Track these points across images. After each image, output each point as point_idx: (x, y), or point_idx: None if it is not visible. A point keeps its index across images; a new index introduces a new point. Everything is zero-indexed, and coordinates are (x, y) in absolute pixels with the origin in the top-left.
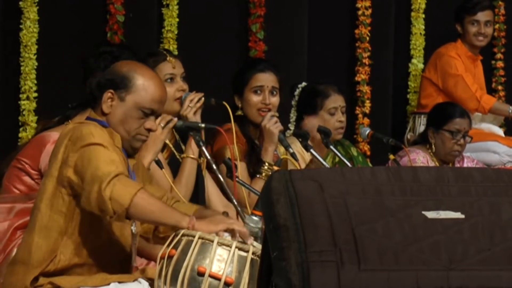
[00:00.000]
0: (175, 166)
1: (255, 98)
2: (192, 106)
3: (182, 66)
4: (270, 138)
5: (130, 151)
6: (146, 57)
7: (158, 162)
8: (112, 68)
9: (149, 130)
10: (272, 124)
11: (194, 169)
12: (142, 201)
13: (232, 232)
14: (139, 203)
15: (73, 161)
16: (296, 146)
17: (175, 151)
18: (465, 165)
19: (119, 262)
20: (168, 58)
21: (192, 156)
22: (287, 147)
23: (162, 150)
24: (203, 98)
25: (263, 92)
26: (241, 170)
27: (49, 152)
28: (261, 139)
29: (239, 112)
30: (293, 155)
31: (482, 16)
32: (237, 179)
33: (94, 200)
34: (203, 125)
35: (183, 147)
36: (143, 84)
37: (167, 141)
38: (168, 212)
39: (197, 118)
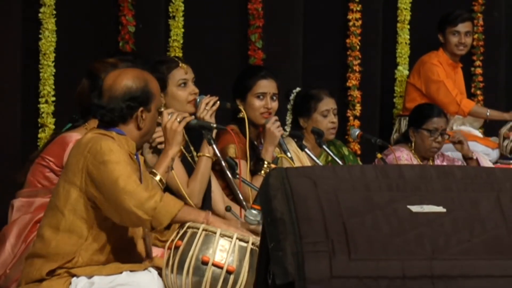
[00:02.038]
0: (185, 167)
1: (258, 103)
2: (209, 109)
3: (193, 72)
4: (271, 140)
5: (141, 147)
6: (159, 64)
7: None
8: (131, 87)
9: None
10: (275, 128)
11: (209, 166)
12: (177, 217)
13: None
14: (175, 220)
15: (94, 176)
16: (292, 146)
17: (185, 152)
18: (445, 162)
19: (133, 259)
20: (180, 65)
21: (207, 154)
22: (286, 151)
23: None
24: (218, 102)
25: (265, 97)
26: (243, 168)
27: None
28: (258, 140)
29: (242, 115)
30: (291, 159)
31: (462, 27)
32: (238, 176)
33: (129, 217)
34: (214, 125)
35: (192, 148)
36: (155, 89)
37: None
38: (189, 214)
39: (212, 120)
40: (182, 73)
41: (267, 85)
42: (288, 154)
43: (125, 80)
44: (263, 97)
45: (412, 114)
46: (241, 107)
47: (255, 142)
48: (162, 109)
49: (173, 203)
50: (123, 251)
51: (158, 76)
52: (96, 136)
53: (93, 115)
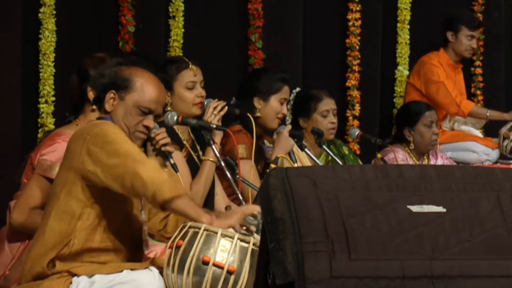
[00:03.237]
0: (191, 166)
1: (279, 108)
2: (216, 114)
3: (202, 74)
4: (285, 147)
5: None
6: (169, 63)
7: (174, 165)
8: (115, 71)
9: (147, 128)
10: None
11: (213, 171)
12: (180, 202)
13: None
14: (177, 202)
15: (95, 153)
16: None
17: (191, 151)
18: (438, 159)
19: (129, 247)
20: (190, 66)
21: (211, 159)
22: (294, 161)
23: (181, 148)
24: (226, 107)
25: (284, 103)
26: (249, 167)
27: (56, 148)
28: (261, 140)
29: (258, 114)
30: (293, 161)
31: (477, 33)
32: (237, 176)
33: (135, 183)
34: (214, 126)
35: (198, 147)
36: (142, 86)
37: (185, 142)
38: (192, 208)
39: (219, 124)
40: (191, 74)
41: (288, 92)
42: (296, 164)
43: (120, 68)
44: (283, 103)
45: (401, 115)
46: (249, 115)
47: (260, 143)
48: (169, 108)
49: (181, 186)
50: (120, 233)
51: (163, 76)
52: (96, 121)
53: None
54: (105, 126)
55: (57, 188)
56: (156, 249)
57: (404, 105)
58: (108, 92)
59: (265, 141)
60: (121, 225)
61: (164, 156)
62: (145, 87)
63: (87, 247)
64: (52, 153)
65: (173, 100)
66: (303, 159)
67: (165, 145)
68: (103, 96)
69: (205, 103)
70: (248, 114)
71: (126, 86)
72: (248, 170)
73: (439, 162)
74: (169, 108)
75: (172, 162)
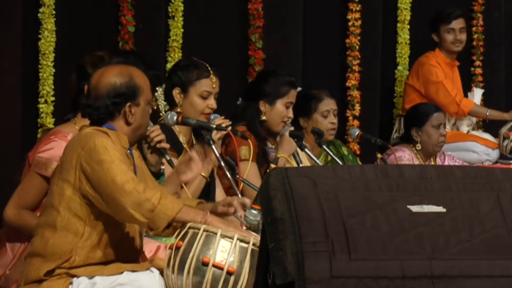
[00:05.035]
0: None
1: (285, 112)
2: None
3: (219, 86)
4: (289, 149)
5: (136, 142)
6: (191, 66)
7: (170, 162)
8: (114, 83)
9: None
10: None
11: (202, 185)
12: (177, 216)
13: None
14: (174, 219)
15: (89, 175)
16: None
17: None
18: (446, 162)
19: (129, 257)
20: (210, 76)
21: (203, 174)
22: (298, 163)
23: (179, 153)
24: (230, 127)
25: (290, 107)
26: (253, 169)
27: (52, 146)
28: (264, 143)
29: (263, 117)
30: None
31: (456, 24)
32: (238, 177)
33: (127, 216)
34: (214, 126)
35: None
36: (142, 83)
37: (184, 144)
38: (187, 214)
39: (218, 144)
40: (209, 85)
41: (294, 96)
42: (301, 165)
43: (109, 77)
44: (289, 107)
45: (409, 115)
46: (250, 142)
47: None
48: (179, 109)
49: (171, 205)
50: (120, 247)
51: (155, 73)
52: (90, 132)
53: (82, 115)
54: (98, 141)
55: (55, 199)
56: (150, 246)
57: (413, 106)
58: (124, 106)
59: (268, 143)
60: (121, 239)
61: (160, 153)
62: (145, 83)
63: (87, 263)
64: (48, 151)
65: (184, 102)
66: (303, 159)
67: (159, 142)
68: (115, 109)
69: (212, 117)
70: (249, 140)
71: (136, 93)
72: (252, 172)
73: (446, 162)
74: (179, 109)
75: (168, 158)
